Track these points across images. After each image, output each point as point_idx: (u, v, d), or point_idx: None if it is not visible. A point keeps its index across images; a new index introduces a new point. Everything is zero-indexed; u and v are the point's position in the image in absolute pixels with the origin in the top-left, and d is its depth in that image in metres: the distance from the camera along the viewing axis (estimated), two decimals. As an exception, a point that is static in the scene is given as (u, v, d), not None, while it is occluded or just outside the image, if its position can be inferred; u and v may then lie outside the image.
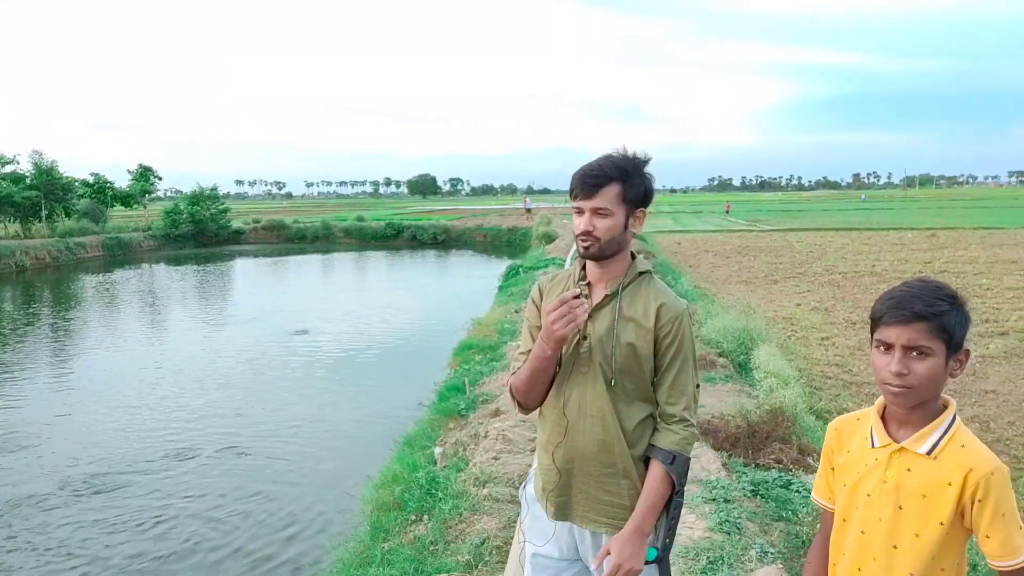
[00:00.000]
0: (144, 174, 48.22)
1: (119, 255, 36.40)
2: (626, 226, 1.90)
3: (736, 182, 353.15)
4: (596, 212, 1.87)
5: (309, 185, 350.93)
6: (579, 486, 1.96)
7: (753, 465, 5.00)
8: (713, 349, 8.34)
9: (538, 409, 2.06)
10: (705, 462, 4.84)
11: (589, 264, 1.98)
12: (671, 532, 1.91)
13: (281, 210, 76.31)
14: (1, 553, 5.96)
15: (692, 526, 3.88)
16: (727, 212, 54.57)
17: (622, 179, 1.87)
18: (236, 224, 45.44)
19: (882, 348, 1.48)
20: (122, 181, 48.34)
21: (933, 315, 1.43)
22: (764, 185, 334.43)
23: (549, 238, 29.94)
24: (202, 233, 42.20)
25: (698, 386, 1.97)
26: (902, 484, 1.49)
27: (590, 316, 1.92)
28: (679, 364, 1.91)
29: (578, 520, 1.98)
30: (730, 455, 5.11)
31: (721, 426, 5.54)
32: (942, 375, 1.46)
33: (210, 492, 7.09)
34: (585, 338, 1.92)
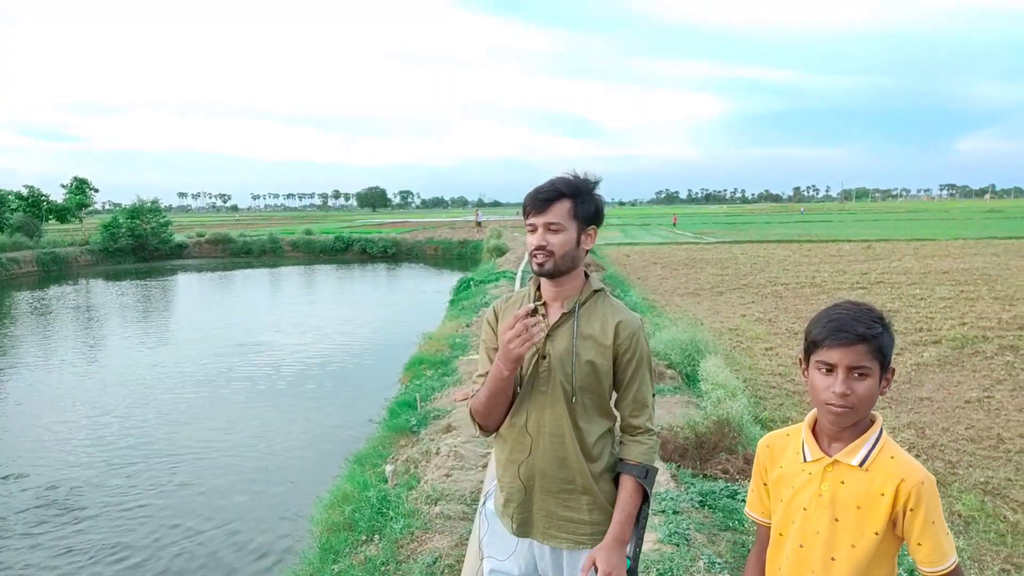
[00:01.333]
0: (80, 187, 46.63)
1: (54, 271, 35.07)
2: (578, 242, 1.94)
3: (683, 195, 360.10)
4: (549, 227, 1.91)
5: (255, 198, 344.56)
6: (539, 503, 1.99)
7: (701, 476, 5.09)
8: (662, 361, 8.47)
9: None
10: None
11: (544, 284, 2.01)
12: (640, 542, 1.96)
13: (226, 223, 74.69)
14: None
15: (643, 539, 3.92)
16: (674, 224, 55.59)
17: (573, 196, 1.92)
18: (179, 238, 44.30)
19: (824, 369, 1.53)
20: (56, 194, 46.69)
21: (873, 337, 1.50)
22: (709, 198, 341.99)
23: (500, 251, 30.02)
24: (142, 247, 41.01)
25: (654, 395, 2.03)
26: (837, 496, 1.54)
27: (548, 335, 1.95)
28: (640, 378, 1.96)
29: (539, 536, 2.01)
30: (679, 466, 5.19)
31: (670, 438, 5.62)
32: (877, 393, 1.53)
33: (149, 516, 6.86)
34: (544, 357, 1.95)
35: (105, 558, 6.06)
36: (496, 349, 2.01)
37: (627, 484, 1.93)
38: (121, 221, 41.46)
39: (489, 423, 2.02)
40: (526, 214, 1.95)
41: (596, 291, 2.00)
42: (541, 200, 1.91)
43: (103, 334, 17.95)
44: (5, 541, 6.40)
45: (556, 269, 1.93)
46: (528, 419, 1.97)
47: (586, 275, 2.03)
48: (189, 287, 29.49)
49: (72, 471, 8.06)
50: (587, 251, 1.99)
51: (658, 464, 5.07)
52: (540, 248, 1.91)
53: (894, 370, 1.57)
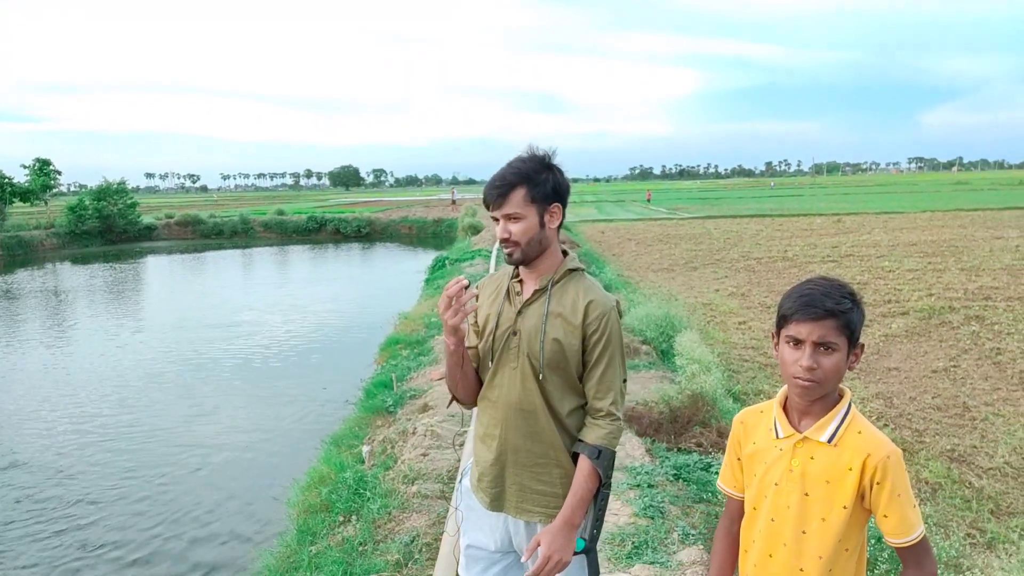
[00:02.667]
0: (42, 168, 45.45)
1: (19, 255, 34.29)
2: (542, 224, 1.94)
3: (657, 171, 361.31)
4: (509, 218, 1.92)
5: (226, 178, 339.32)
6: (512, 477, 2.00)
7: (675, 449, 5.15)
8: (637, 337, 8.53)
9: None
10: (630, 449, 4.96)
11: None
12: (598, 523, 1.96)
13: (196, 204, 73.50)
14: None
15: (618, 512, 3.97)
16: (648, 200, 55.79)
17: (525, 181, 1.92)
18: (147, 220, 43.43)
19: (792, 344, 1.55)
20: (20, 176, 45.45)
21: (841, 312, 1.51)
22: (683, 173, 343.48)
23: (475, 229, 29.90)
24: (110, 230, 40.16)
25: (625, 381, 2.02)
26: (807, 472, 1.56)
27: (520, 311, 1.97)
28: (607, 360, 1.95)
29: (512, 511, 2.02)
30: (654, 440, 5.25)
31: (645, 412, 5.68)
32: (844, 368, 1.54)
33: (122, 502, 6.80)
34: (516, 333, 1.97)
35: (80, 546, 6.00)
36: (475, 323, 2.09)
37: (582, 466, 1.93)
38: (87, 203, 40.50)
39: (460, 396, 2.10)
40: (487, 206, 1.97)
41: (571, 270, 2.00)
42: (496, 193, 1.93)
43: (73, 319, 17.63)
44: (-25, 531, 6.31)
45: (524, 256, 1.95)
46: (500, 393, 2.00)
47: (565, 253, 2.03)
48: (159, 270, 29.03)
49: (43, 457, 7.94)
50: (557, 228, 1.99)
51: (633, 440, 5.13)
52: (504, 240, 1.94)
53: (863, 346, 1.58)
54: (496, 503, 2.04)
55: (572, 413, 1.98)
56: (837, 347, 1.52)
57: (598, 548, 2.01)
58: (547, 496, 1.98)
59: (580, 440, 1.96)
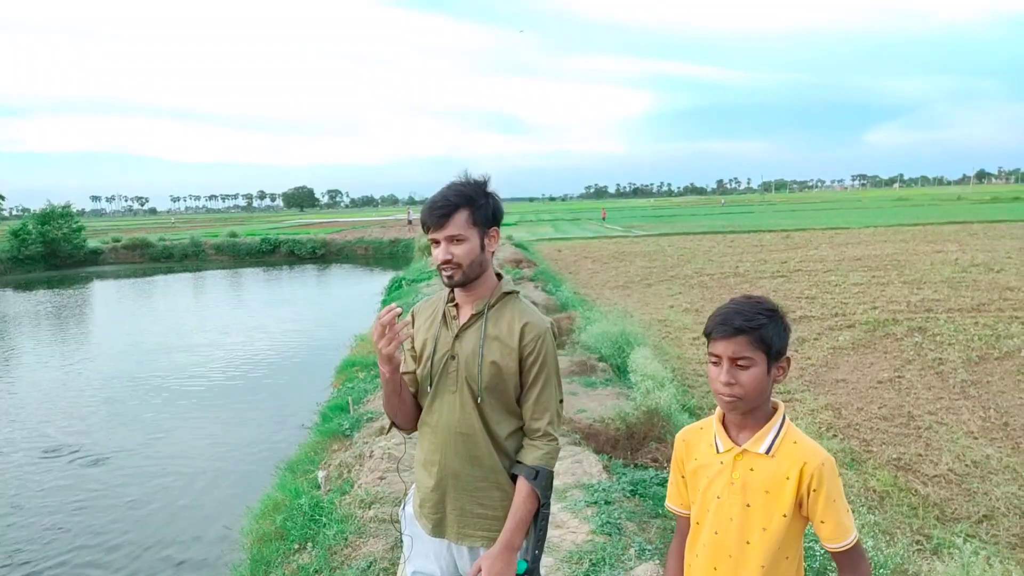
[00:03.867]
0: (-16, 192, 43.90)
1: (-43, 282, 32.95)
2: (482, 247, 1.97)
3: (611, 189, 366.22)
4: (451, 240, 1.92)
5: (175, 200, 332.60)
6: (453, 502, 2.00)
7: (632, 465, 5.20)
8: (593, 354, 8.60)
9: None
10: (587, 466, 4.99)
11: (456, 289, 2.03)
12: (540, 543, 1.97)
13: (144, 227, 71.72)
14: None
15: (576, 530, 3.99)
16: (604, 219, 56.45)
17: (468, 204, 1.94)
18: (93, 243, 42.18)
19: (713, 360, 1.62)
20: (-42, 200, 43.84)
21: (752, 328, 1.58)
22: (637, 192, 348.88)
23: (432, 250, 29.80)
24: (55, 254, 38.88)
25: (561, 401, 2.05)
26: (747, 483, 1.62)
27: (457, 335, 1.99)
28: (543, 381, 1.98)
29: (454, 536, 2.02)
30: (611, 457, 5.29)
31: (602, 430, 5.72)
32: (765, 382, 1.60)
33: (65, 534, 6.54)
34: (454, 358, 1.98)
35: (20, 584, 5.75)
36: (411, 348, 2.10)
37: (521, 488, 1.94)
38: (31, 227, 39.17)
39: (398, 421, 2.09)
40: (426, 229, 1.97)
41: (507, 293, 2.03)
42: (438, 215, 1.92)
43: (18, 346, 16.98)
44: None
45: (465, 279, 1.96)
46: (439, 418, 2.01)
47: (499, 276, 2.06)
48: (107, 295, 28.19)
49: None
50: (492, 253, 2.02)
51: (590, 457, 5.17)
52: (446, 262, 1.93)
53: (789, 359, 1.63)
54: (438, 528, 2.04)
55: (511, 436, 2.00)
56: (753, 362, 1.58)
57: (553, 567, 2.03)
58: (488, 519, 1.99)
59: (518, 462, 1.98)
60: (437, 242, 1.95)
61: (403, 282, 20.15)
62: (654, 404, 5.96)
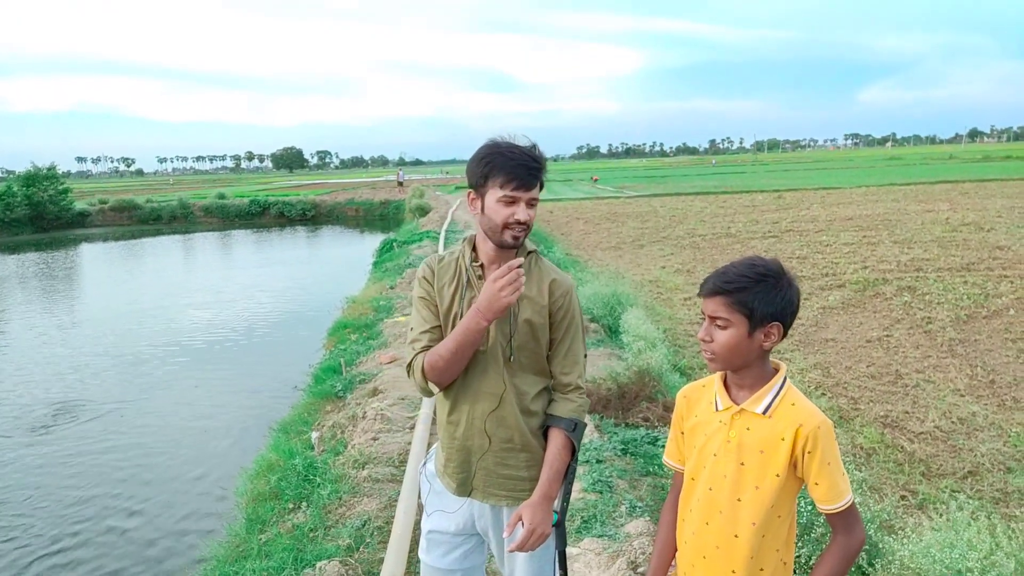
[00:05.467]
0: (-34, 153, 43.17)
1: (-57, 245, 32.59)
2: None
3: (603, 149, 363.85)
4: (529, 203, 1.90)
5: (162, 161, 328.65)
6: (479, 462, 2.01)
7: (623, 425, 5.25)
8: (586, 316, 8.62)
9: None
10: (579, 426, 5.03)
11: (485, 247, 1.99)
12: (567, 496, 2.00)
13: (131, 189, 70.87)
14: None
15: (568, 489, 4.03)
16: (595, 181, 56.15)
17: (544, 169, 1.93)
18: (80, 205, 41.69)
19: (703, 316, 1.64)
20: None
21: (728, 291, 1.58)
22: (629, 152, 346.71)
23: (423, 211, 29.66)
24: (41, 217, 38.43)
25: (586, 355, 2.06)
26: (743, 442, 1.62)
27: None
28: (572, 336, 2.00)
29: (479, 495, 2.04)
30: (602, 417, 5.33)
31: (593, 389, 5.75)
32: (745, 344, 1.59)
33: (58, 501, 6.57)
34: None
35: (10, 551, 5.79)
36: (435, 304, 2.00)
37: (556, 439, 1.96)
38: (16, 190, 38.63)
39: (444, 380, 1.97)
40: (501, 184, 1.87)
41: (530, 252, 2.02)
42: (535, 176, 1.89)
43: (5, 309, 16.88)
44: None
45: (523, 241, 1.95)
46: (465, 379, 1.99)
47: None
48: (95, 257, 27.98)
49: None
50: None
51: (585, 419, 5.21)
52: (521, 223, 1.89)
53: (779, 325, 1.60)
54: (462, 488, 2.05)
55: (537, 396, 2.00)
56: (730, 323, 1.59)
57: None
58: (513, 480, 2.01)
59: (551, 415, 1.99)
60: (513, 201, 1.88)
61: (394, 244, 20.06)
62: (645, 364, 5.99)
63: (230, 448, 7.52)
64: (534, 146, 1.93)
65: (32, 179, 39.25)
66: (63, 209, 39.87)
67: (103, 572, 5.41)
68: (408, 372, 2.01)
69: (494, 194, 1.89)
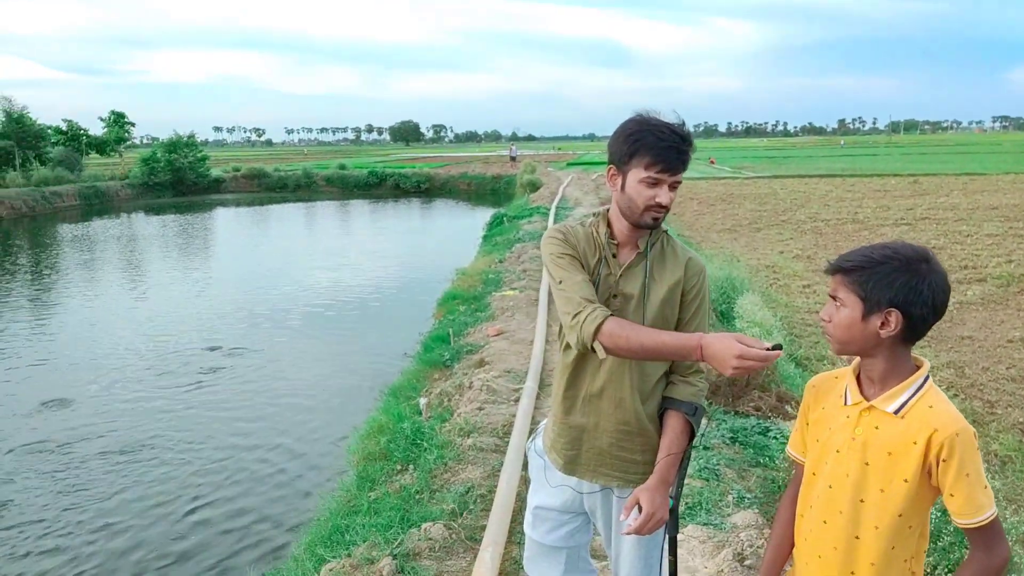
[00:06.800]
0: (118, 120, 47.08)
1: (96, 204, 35.78)
2: None
3: (722, 128, 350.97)
4: (673, 186, 1.84)
5: (289, 132, 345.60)
6: (591, 441, 1.99)
7: (732, 412, 5.09)
8: (696, 298, 8.39)
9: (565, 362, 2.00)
10: (686, 410, 4.92)
11: (619, 224, 1.93)
12: (681, 481, 1.96)
13: (261, 158, 75.01)
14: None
15: (672, 473, 3.97)
16: (712, 164, 54.27)
17: (693, 150, 1.87)
18: (215, 172, 44.65)
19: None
20: (95, 128, 47.24)
21: (845, 269, 1.51)
22: (750, 131, 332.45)
23: (534, 186, 29.74)
24: (181, 182, 41.46)
25: None
26: (869, 441, 1.52)
27: (621, 274, 1.93)
28: (699, 318, 1.96)
29: (588, 475, 2.01)
30: (710, 403, 5.19)
31: (702, 374, 5.61)
32: (859, 328, 1.50)
33: (192, 444, 7.13)
34: (616, 296, 1.92)
35: (148, 491, 6.34)
36: (576, 256, 1.91)
37: (675, 423, 1.91)
38: (159, 155, 41.84)
39: (615, 352, 1.79)
40: (646, 164, 1.79)
41: (663, 232, 1.99)
42: (681, 160, 1.80)
43: (151, 268, 18.40)
44: (40, 471, 6.74)
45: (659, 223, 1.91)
46: (593, 358, 1.94)
47: None
48: (227, 221, 29.93)
49: (117, 405, 8.38)
50: None
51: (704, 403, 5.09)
52: (663, 207, 1.83)
53: (897, 313, 1.47)
54: (570, 465, 2.03)
55: (658, 381, 1.96)
56: (845, 304, 1.52)
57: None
58: (626, 462, 1.97)
59: (671, 397, 1.95)
60: (657, 183, 1.81)
61: (504, 219, 20.24)
62: (759, 352, 5.77)
63: (343, 408, 7.90)
64: (683, 124, 1.84)
65: (174, 146, 42.34)
66: (200, 175, 42.80)
67: (220, 512, 5.86)
68: (573, 322, 1.80)
69: (637, 174, 1.81)
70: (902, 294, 1.46)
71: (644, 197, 1.83)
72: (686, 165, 1.83)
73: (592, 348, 1.79)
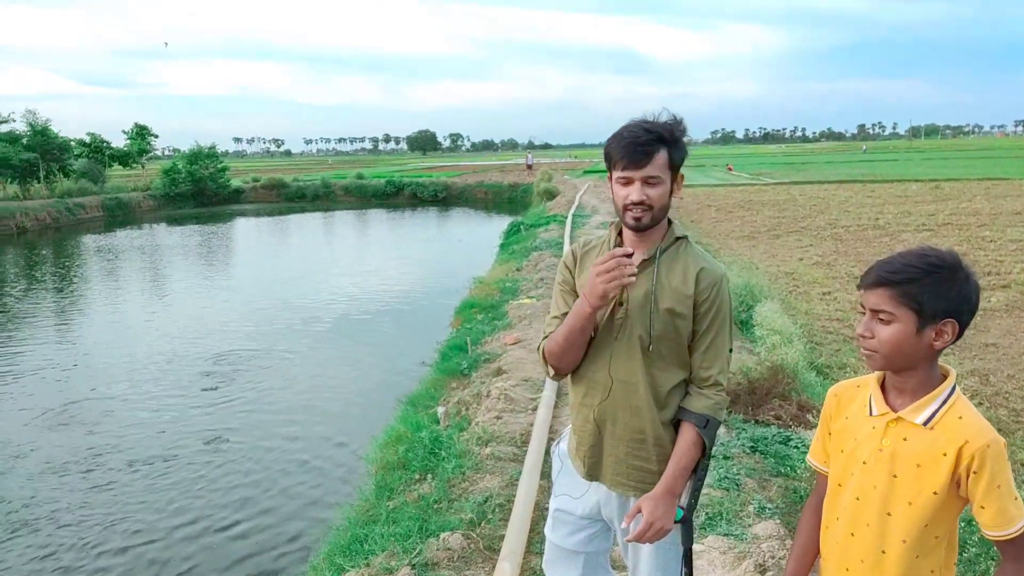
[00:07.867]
0: (140, 132, 47.78)
1: (119, 215, 36.24)
2: (671, 192, 1.89)
3: (739, 134, 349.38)
4: (647, 181, 1.82)
5: (308, 142, 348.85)
6: (609, 449, 1.98)
7: (753, 422, 5.05)
8: (714, 306, 8.33)
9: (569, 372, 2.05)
10: (705, 419, 4.88)
11: (627, 233, 1.94)
12: (696, 493, 1.94)
13: (280, 168, 75.75)
14: None
15: (692, 483, 3.94)
16: (729, 171, 54.00)
17: (669, 144, 1.84)
18: (236, 183, 45.09)
19: (861, 310, 1.52)
20: (118, 140, 47.95)
21: (894, 282, 1.44)
22: (768, 137, 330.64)
23: (550, 195, 29.76)
24: (201, 192, 41.88)
25: (731, 351, 1.97)
26: (897, 453, 1.49)
27: None
28: (716, 329, 1.91)
29: (608, 482, 2.01)
30: (730, 412, 5.15)
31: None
32: (911, 343, 1.45)
33: (208, 453, 7.19)
34: (622, 304, 1.91)
35: (165, 498, 6.39)
36: (573, 291, 2.00)
37: (686, 434, 1.89)
38: (181, 167, 42.33)
39: (563, 365, 1.97)
40: (616, 166, 1.84)
41: (678, 238, 1.95)
42: (641, 152, 1.80)
43: (174, 277, 18.61)
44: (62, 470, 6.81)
45: (652, 223, 1.87)
46: (602, 366, 1.94)
47: (669, 221, 1.97)
48: (248, 231, 30.23)
49: (137, 412, 8.47)
50: (678, 198, 1.94)
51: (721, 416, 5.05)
52: (639, 204, 1.83)
53: (953, 323, 1.45)
54: (592, 472, 2.03)
55: (674, 390, 1.93)
56: (895, 318, 1.44)
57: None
58: (642, 472, 1.96)
59: (684, 408, 1.91)
60: (628, 181, 1.84)
61: (521, 227, 20.26)
62: (779, 360, 5.72)
63: (361, 417, 7.92)
64: (653, 119, 1.85)
65: (195, 157, 42.81)
66: (221, 186, 43.24)
67: (246, 510, 5.90)
68: (539, 355, 2.04)
69: (613, 178, 1.89)
70: (955, 303, 1.44)
71: (619, 198, 1.87)
72: (650, 157, 1.81)
73: (549, 372, 2.00)
